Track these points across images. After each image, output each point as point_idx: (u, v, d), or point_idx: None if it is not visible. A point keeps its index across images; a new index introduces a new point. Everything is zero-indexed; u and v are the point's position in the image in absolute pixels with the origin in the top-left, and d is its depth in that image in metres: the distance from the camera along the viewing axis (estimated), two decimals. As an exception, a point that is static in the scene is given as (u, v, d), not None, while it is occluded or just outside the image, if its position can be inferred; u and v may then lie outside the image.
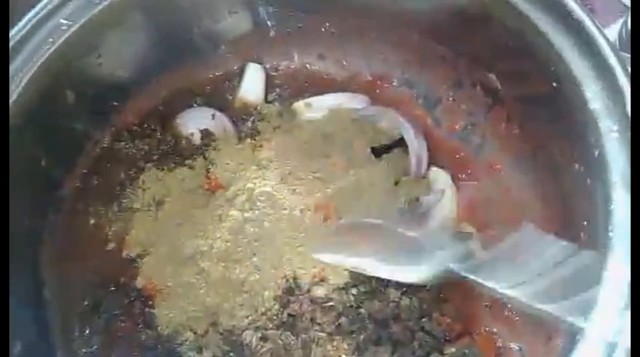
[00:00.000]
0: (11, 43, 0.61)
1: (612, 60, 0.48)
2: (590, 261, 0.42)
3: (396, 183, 0.71)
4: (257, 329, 0.60)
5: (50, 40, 0.63)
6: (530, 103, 0.62)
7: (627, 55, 0.55)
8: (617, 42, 0.78)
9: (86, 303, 0.66)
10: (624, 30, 0.77)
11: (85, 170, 0.75)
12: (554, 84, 0.52)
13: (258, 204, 0.65)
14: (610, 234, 0.42)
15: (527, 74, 0.59)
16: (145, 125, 0.79)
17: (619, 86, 0.47)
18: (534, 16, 0.53)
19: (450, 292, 0.65)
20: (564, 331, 0.49)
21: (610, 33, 0.82)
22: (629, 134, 0.45)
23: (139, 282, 0.66)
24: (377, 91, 0.82)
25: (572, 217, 0.53)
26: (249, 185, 0.67)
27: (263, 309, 0.61)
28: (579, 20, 0.50)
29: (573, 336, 0.41)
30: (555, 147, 0.58)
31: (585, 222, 0.49)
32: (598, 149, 0.46)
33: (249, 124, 0.79)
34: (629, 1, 0.84)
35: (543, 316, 0.57)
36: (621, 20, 0.81)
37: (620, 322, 0.38)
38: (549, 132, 0.59)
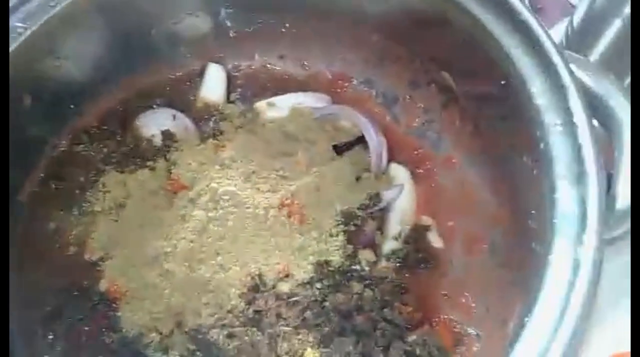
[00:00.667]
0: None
1: (556, 58, 0.51)
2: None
3: (358, 179, 0.73)
4: (223, 326, 0.60)
5: (5, 42, 0.62)
6: (482, 100, 0.65)
7: (572, 54, 0.58)
8: (564, 40, 0.82)
9: (48, 308, 0.65)
10: (569, 29, 0.81)
11: (43, 175, 0.74)
12: (503, 82, 0.55)
13: (222, 203, 0.66)
14: (555, 221, 0.45)
15: (478, 73, 0.62)
16: (105, 128, 0.78)
17: (562, 82, 0.50)
18: (484, 17, 0.56)
19: (410, 282, 0.67)
20: (516, 314, 0.51)
21: (558, 31, 0.86)
22: (571, 127, 0.48)
23: (102, 285, 0.66)
24: (338, 90, 0.83)
25: (521, 207, 0.56)
26: (213, 185, 0.67)
27: (229, 307, 0.61)
28: (525, 20, 0.53)
29: (522, 318, 0.43)
30: (505, 141, 0.61)
31: (533, 212, 0.52)
32: (543, 142, 0.49)
33: (211, 124, 0.80)
34: (577, 0, 0.89)
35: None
36: (568, 19, 0.85)
37: (563, 304, 0.41)
38: (499, 128, 0.62)
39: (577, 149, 0.46)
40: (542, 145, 0.49)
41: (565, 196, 0.45)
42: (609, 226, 0.46)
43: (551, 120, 0.49)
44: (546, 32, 0.52)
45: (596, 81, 0.54)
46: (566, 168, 0.46)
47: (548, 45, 0.51)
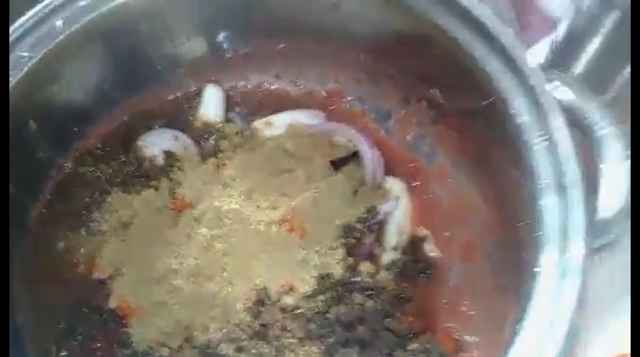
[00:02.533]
0: (-29, 77, 0.62)
1: (534, 80, 0.54)
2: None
3: (355, 193, 0.75)
4: (232, 341, 0.63)
5: (12, 72, 0.65)
6: (469, 116, 0.68)
7: (553, 70, 0.61)
8: (549, 55, 0.85)
9: (61, 326, 0.67)
10: (553, 44, 0.84)
11: (50, 196, 0.76)
12: (486, 100, 0.58)
13: (225, 220, 0.68)
14: (541, 231, 0.48)
15: (464, 91, 0.65)
16: (108, 149, 0.80)
17: (542, 101, 0.53)
18: (466, 40, 0.59)
19: (410, 292, 0.70)
20: (509, 321, 0.54)
21: (544, 46, 0.90)
22: (553, 143, 0.51)
23: (112, 302, 0.68)
24: (332, 107, 0.86)
25: (511, 218, 0.59)
26: (216, 203, 0.69)
27: (236, 321, 0.64)
28: (505, 44, 0.57)
29: (514, 325, 0.46)
30: (494, 155, 0.64)
31: (521, 222, 0.55)
32: (527, 157, 0.52)
33: (211, 142, 0.82)
34: (561, 16, 0.92)
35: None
36: (553, 35, 0.88)
37: (553, 311, 0.44)
38: (487, 142, 0.65)
39: (559, 164, 0.50)
40: (526, 160, 0.52)
41: (549, 208, 0.49)
42: (593, 236, 0.49)
43: (533, 137, 0.52)
44: (524, 54, 0.56)
45: (577, 97, 0.57)
46: (549, 181, 0.49)
47: (526, 66, 0.55)
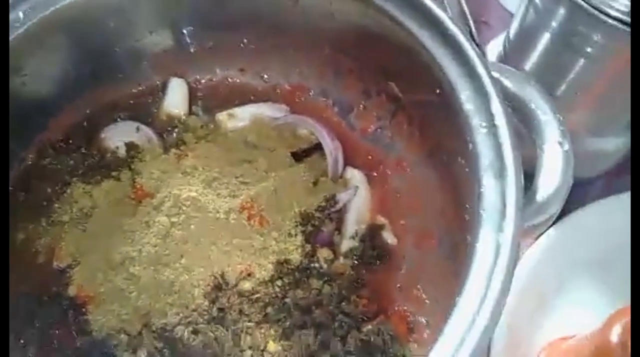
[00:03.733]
0: None
1: (480, 68, 0.57)
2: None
3: (315, 183, 0.77)
4: (188, 323, 0.64)
5: (-28, 63, 0.65)
6: (424, 108, 0.71)
7: (500, 64, 0.64)
8: (503, 51, 0.88)
9: (20, 315, 0.67)
10: (507, 41, 0.87)
11: (11, 188, 0.76)
12: (438, 90, 0.61)
13: (184, 208, 0.69)
14: (482, 212, 0.50)
15: (419, 83, 0.67)
16: (70, 141, 0.81)
17: (485, 90, 0.56)
18: (418, 33, 0.62)
19: (366, 277, 0.72)
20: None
21: (499, 42, 0.93)
22: (494, 129, 0.54)
23: (71, 290, 0.68)
24: (296, 100, 0.88)
25: (460, 202, 0.62)
26: (175, 191, 0.70)
27: (193, 306, 0.65)
28: (453, 35, 0.59)
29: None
30: (446, 144, 0.67)
31: (467, 205, 0.57)
32: (472, 143, 0.55)
33: (174, 135, 0.83)
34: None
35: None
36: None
37: (487, 280, 0.47)
38: (440, 132, 0.67)
39: (498, 148, 0.52)
40: (470, 146, 0.55)
41: (489, 189, 0.51)
42: (530, 216, 0.52)
43: (477, 123, 0.55)
44: (472, 45, 0.58)
45: (520, 88, 0.60)
46: (490, 164, 0.52)
47: (473, 56, 0.57)
